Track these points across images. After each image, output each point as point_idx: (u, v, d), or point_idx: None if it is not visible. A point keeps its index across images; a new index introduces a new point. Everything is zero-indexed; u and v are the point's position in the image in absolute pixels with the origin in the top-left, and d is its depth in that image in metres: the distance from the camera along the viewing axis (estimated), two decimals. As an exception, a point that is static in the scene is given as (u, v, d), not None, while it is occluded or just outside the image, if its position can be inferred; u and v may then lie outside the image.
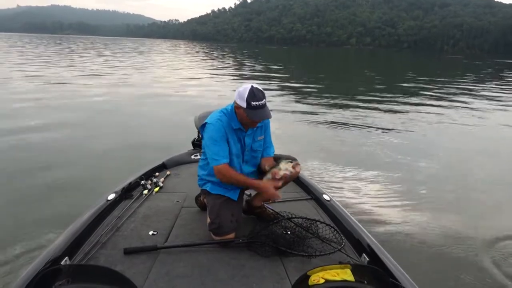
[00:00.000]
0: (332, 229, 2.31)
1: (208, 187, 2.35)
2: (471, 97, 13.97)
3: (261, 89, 2.12)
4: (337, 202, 2.73)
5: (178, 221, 2.50)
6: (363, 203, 4.02)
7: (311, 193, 2.97)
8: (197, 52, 51.24)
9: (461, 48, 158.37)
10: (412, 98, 13.05)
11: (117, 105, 9.50)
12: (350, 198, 4.12)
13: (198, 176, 2.43)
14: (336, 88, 16.11)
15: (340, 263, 1.90)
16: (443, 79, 21.91)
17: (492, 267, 2.95)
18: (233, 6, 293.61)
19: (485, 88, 17.68)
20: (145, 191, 2.89)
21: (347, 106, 10.81)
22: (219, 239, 2.21)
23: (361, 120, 8.81)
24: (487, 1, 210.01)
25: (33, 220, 3.36)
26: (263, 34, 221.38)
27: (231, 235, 2.22)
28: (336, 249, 2.14)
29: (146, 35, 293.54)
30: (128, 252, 2.06)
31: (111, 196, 2.64)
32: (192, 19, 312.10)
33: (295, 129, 7.79)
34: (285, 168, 2.19)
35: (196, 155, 3.65)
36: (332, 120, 8.64)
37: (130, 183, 2.91)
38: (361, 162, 5.42)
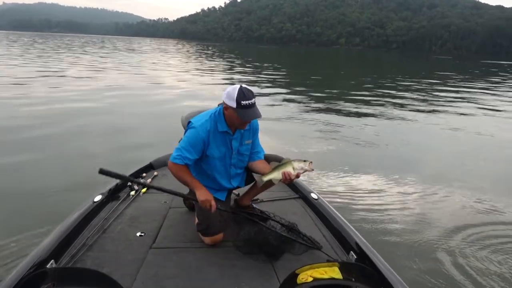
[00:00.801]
0: (316, 228, 2.32)
1: (195, 188, 2.34)
2: (459, 98, 14.23)
3: (250, 89, 2.11)
4: (324, 201, 2.75)
5: (166, 222, 2.49)
6: (351, 201, 4.06)
7: (299, 192, 2.98)
8: (188, 51, 50.84)
9: (449, 48, 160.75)
10: (399, 98, 13.21)
11: (102, 105, 9.32)
12: (338, 196, 4.16)
13: None
14: (326, 87, 16.19)
15: (328, 261, 1.92)
16: (434, 81, 22.17)
17: (478, 263, 3.01)
18: (223, 5, 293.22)
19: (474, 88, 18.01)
20: (132, 192, 2.87)
21: (335, 106, 10.88)
22: (208, 239, 2.21)
23: (350, 119, 8.89)
24: (474, 3, 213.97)
25: (18, 222, 3.28)
26: (253, 34, 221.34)
27: (220, 236, 2.22)
28: (320, 247, 2.16)
29: (135, 33, 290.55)
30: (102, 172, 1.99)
31: (98, 198, 2.61)
32: (181, 17, 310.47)
33: (282, 127, 7.81)
34: (300, 167, 2.13)
35: None
36: (320, 119, 8.68)
37: (117, 184, 2.88)
38: (348, 161, 5.47)
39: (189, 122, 2.21)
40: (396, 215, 3.82)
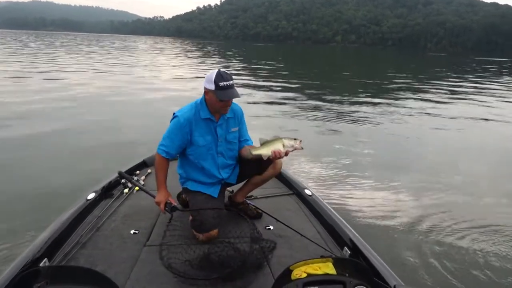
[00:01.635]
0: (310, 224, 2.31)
1: (188, 185, 2.35)
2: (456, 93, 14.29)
3: (228, 72, 2.15)
4: (318, 197, 2.76)
5: (159, 220, 2.48)
6: (344, 197, 4.08)
7: (293, 188, 2.98)
8: (183, 49, 50.63)
9: (444, 46, 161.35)
10: (395, 95, 13.26)
11: (94, 103, 9.26)
12: (332, 192, 4.17)
13: (179, 174, 2.42)
14: (322, 85, 16.20)
15: (322, 257, 1.91)
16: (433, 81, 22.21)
17: (472, 257, 3.03)
18: (218, 3, 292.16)
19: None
20: (126, 190, 2.86)
21: (331, 102, 10.89)
22: (202, 236, 2.20)
23: (345, 116, 8.89)
24: (469, 0, 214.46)
25: (11, 221, 3.26)
26: (249, 31, 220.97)
27: (214, 232, 2.21)
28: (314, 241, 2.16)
29: (131, 31, 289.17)
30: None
31: (91, 196, 2.60)
32: (177, 15, 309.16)
33: (276, 123, 7.74)
34: (290, 145, 2.16)
35: None
36: (315, 115, 8.70)
37: (110, 182, 2.87)
38: (342, 157, 5.48)
39: (173, 113, 2.24)
40: (390, 210, 3.84)
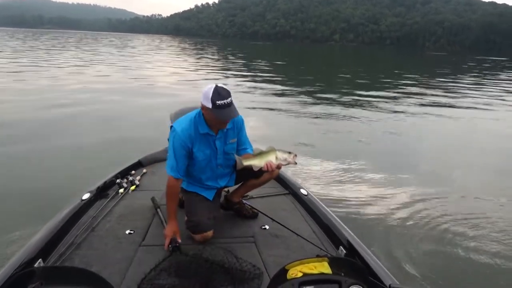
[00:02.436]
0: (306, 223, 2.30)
1: (184, 185, 2.34)
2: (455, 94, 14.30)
3: (226, 87, 2.06)
4: (314, 197, 2.76)
5: (155, 220, 2.47)
6: (340, 196, 4.08)
7: (289, 188, 2.99)
8: (182, 48, 50.49)
9: (442, 44, 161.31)
10: (394, 95, 13.29)
11: (90, 102, 9.23)
12: (327, 192, 4.18)
13: None
14: (321, 85, 16.21)
15: (318, 256, 1.91)
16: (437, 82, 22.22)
17: (469, 256, 3.04)
18: (216, 1, 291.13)
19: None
20: (121, 190, 2.85)
21: (330, 102, 10.89)
22: (198, 236, 2.20)
23: (341, 115, 8.91)
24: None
25: (5, 221, 3.23)
26: (247, 30, 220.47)
27: (210, 233, 2.20)
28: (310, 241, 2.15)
29: (129, 30, 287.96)
30: None
31: (86, 196, 2.59)
32: (175, 14, 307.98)
33: (272, 123, 7.76)
34: (283, 158, 2.09)
35: None
36: (311, 114, 8.71)
37: (106, 182, 2.86)
38: (338, 157, 5.47)
39: (171, 126, 2.19)
40: (386, 210, 3.84)
